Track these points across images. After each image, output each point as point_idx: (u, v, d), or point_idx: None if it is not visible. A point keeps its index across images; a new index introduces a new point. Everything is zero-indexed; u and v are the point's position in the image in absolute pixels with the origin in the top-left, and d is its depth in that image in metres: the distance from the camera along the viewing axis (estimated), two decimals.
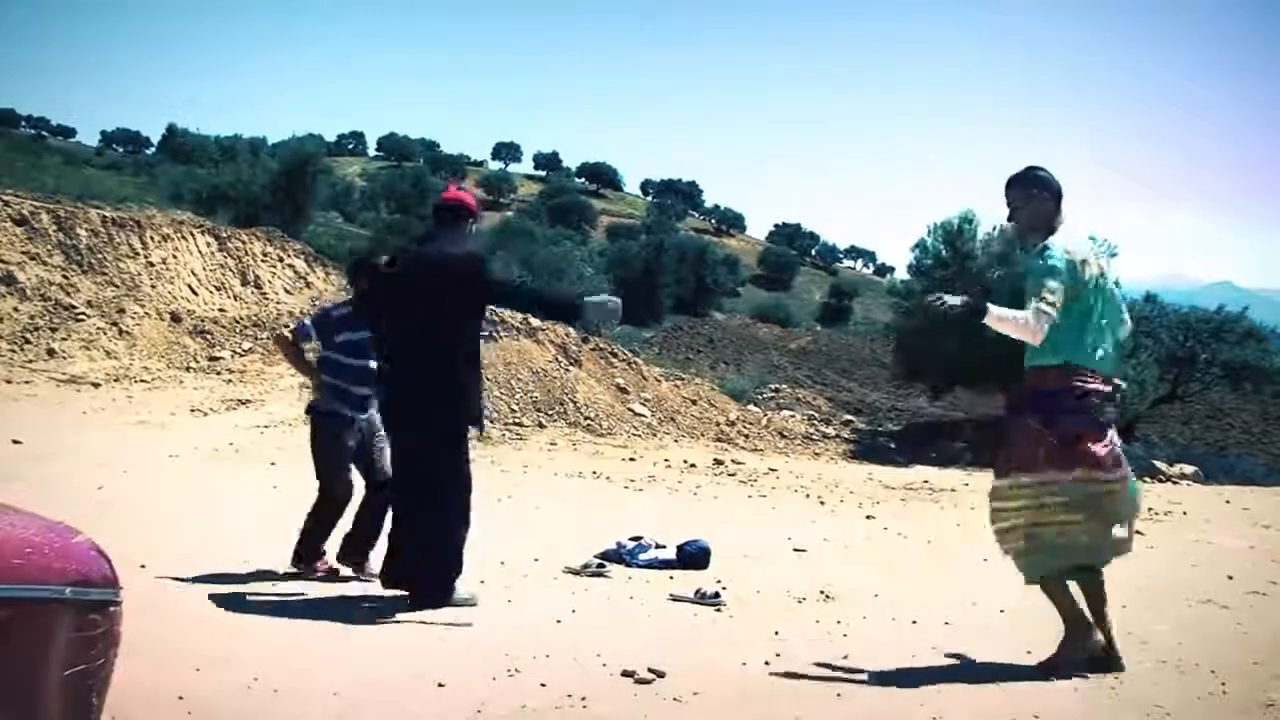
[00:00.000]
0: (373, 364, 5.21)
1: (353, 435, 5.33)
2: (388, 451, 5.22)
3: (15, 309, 13.46)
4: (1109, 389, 4.24)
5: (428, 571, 4.73)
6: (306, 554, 5.31)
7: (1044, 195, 4.24)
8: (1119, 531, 4.32)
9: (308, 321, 5.52)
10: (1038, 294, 4.05)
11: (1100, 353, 4.22)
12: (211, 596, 4.72)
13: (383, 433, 5.29)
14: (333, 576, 5.29)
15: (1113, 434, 4.24)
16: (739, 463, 12.43)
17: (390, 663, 3.90)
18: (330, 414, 5.36)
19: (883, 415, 22.88)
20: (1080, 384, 4.15)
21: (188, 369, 13.63)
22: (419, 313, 4.70)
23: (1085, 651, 4.20)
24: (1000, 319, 4.09)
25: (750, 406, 18.93)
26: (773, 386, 24.09)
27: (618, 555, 6.15)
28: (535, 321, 15.64)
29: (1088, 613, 4.28)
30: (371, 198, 57.24)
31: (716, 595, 5.26)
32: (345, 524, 5.41)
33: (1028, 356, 4.24)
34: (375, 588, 5.01)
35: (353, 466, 5.38)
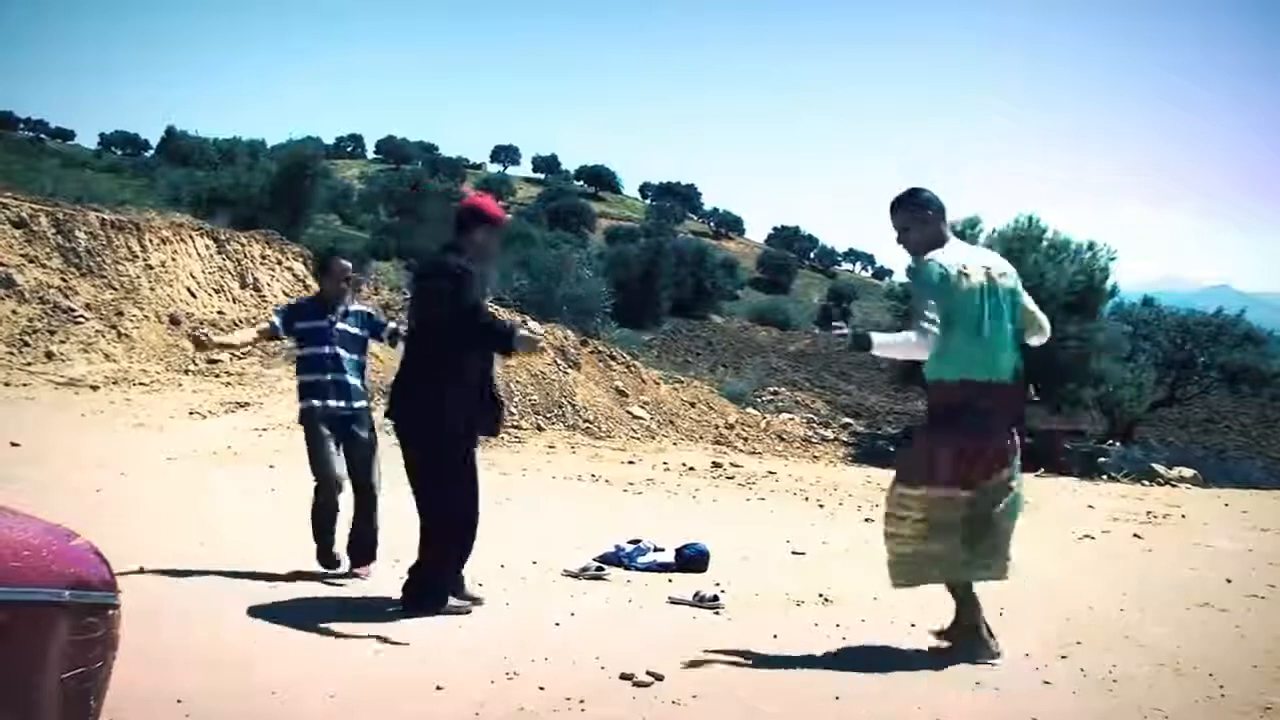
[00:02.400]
0: (327, 349, 5.27)
1: (321, 424, 5.27)
2: (369, 462, 5.30)
3: (14, 311, 13.44)
4: (998, 400, 4.23)
5: (415, 577, 4.71)
6: (317, 553, 5.33)
7: (929, 215, 4.30)
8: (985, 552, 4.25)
9: (276, 320, 5.53)
10: (919, 312, 4.16)
11: (991, 364, 4.23)
12: (209, 599, 4.71)
13: (362, 433, 5.32)
14: (350, 576, 5.29)
15: (1004, 439, 4.25)
16: (737, 465, 12.43)
17: (388, 665, 3.90)
18: (302, 410, 5.39)
19: (881, 418, 22.90)
20: (972, 399, 4.21)
21: (186, 372, 13.61)
22: (412, 316, 4.75)
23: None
24: (886, 346, 4.21)
25: (749, 409, 18.95)
26: (771, 389, 24.13)
27: (616, 558, 6.15)
28: (533, 325, 15.65)
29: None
30: (370, 200, 57.25)
31: (715, 598, 5.26)
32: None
33: (928, 370, 4.29)
34: (374, 589, 5.02)
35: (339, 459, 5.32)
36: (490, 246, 4.77)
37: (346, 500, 5.36)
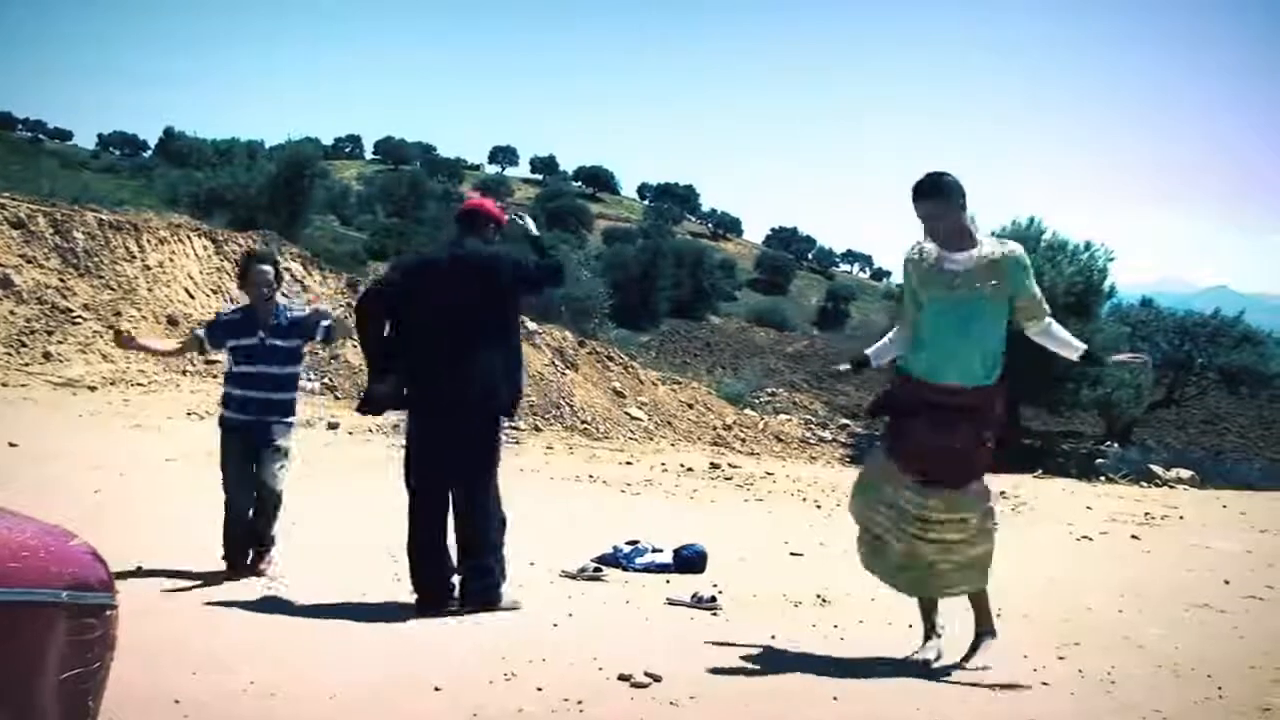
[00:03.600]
0: (257, 368, 5.27)
1: (238, 439, 5.29)
2: (274, 466, 5.26)
3: (12, 312, 13.42)
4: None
5: (475, 570, 4.77)
6: (225, 556, 5.29)
7: (962, 203, 4.11)
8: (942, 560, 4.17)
9: (201, 332, 5.53)
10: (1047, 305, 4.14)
11: None
12: (208, 599, 4.71)
13: (276, 444, 5.28)
14: (254, 573, 5.22)
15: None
16: (735, 466, 12.43)
17: (387, 666, 3.89)
18: (220, 418, 5.42)
19: (880, 419, 22.89)
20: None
21: (184, 373, 13.59)
22: (450, 309, 4.69)
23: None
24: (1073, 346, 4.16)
25: (747, 410, 18.97)
26: (769, 390, 24.15)
27: (614, 559, 6.15)
28: (531, 325, 15.66)
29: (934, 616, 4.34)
30: (368, 201, 57.26)
31: (713, 599, 5.26)
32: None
33: (1000, 366, 4.14)
34: (374, 590, 5.02)
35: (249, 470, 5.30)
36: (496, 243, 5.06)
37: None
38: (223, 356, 5.68)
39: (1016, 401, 16.40)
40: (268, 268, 5.42)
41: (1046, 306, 4.17)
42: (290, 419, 5.40)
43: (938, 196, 4.06)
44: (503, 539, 4.86)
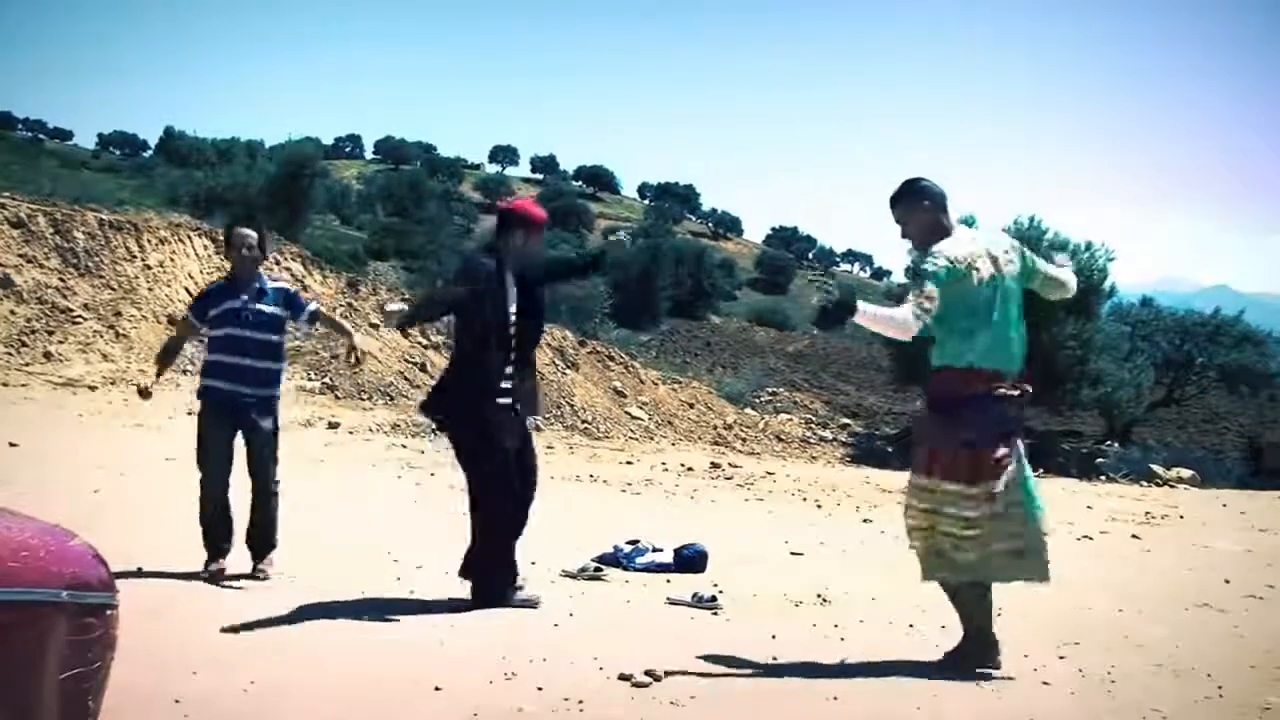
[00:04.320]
0: (240, 331, 5.11)
1: (219, 411, 5.12)
2: (265, 461, 5.20)
3: (12, 312, 13.43)
4: (1015, 392, 4.20)
5: (476, 568, 4.89)
6: (206, 543, 5.16)
7: (926, 205, 4.23)
8: (1011, 546, 4.23)
9: (189, 314, 5.41)
10: (916, 294, 4.06)
11: (1001, 353, 4.20)
12: (209, 599, 4.71)
13: (260, 427, 5.16)
14: (217, 577, 5.05)
15: (1016, 441, 4.21)
16: (736, 466, 12.43)
17: (387, 666, 3.89)
18: (200, 389, 5.20)
19: (880, 418, 22.92)
20: (984, 388, 4.14)
21: (185, 372, 13.58)
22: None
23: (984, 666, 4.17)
24: (873, 318, 4.03)
25: (747, 410, 18.97)
26: (770, 390, 24.14)
27: (614, 558, 6.15)
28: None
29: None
30: (368, 201, 57.24)
31: (713, 598, 5.26)
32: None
33: (936, 357, 4.25)
34: (373, 589, 5.02)
35: (230, 450, 5.16)
36: (530, 248, 4.93)
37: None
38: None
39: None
40: (249, 231, 5.29)
41: (923, 302, 4.04)
42: (275, 391, 5.28)
43: (900, 202, 4.31)
44: (497, 542, 4.88)
